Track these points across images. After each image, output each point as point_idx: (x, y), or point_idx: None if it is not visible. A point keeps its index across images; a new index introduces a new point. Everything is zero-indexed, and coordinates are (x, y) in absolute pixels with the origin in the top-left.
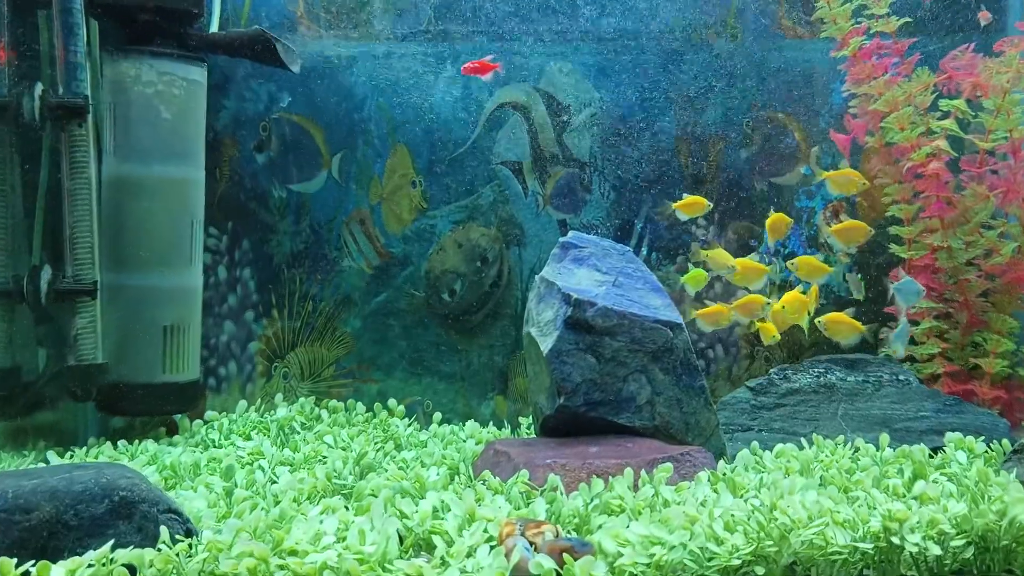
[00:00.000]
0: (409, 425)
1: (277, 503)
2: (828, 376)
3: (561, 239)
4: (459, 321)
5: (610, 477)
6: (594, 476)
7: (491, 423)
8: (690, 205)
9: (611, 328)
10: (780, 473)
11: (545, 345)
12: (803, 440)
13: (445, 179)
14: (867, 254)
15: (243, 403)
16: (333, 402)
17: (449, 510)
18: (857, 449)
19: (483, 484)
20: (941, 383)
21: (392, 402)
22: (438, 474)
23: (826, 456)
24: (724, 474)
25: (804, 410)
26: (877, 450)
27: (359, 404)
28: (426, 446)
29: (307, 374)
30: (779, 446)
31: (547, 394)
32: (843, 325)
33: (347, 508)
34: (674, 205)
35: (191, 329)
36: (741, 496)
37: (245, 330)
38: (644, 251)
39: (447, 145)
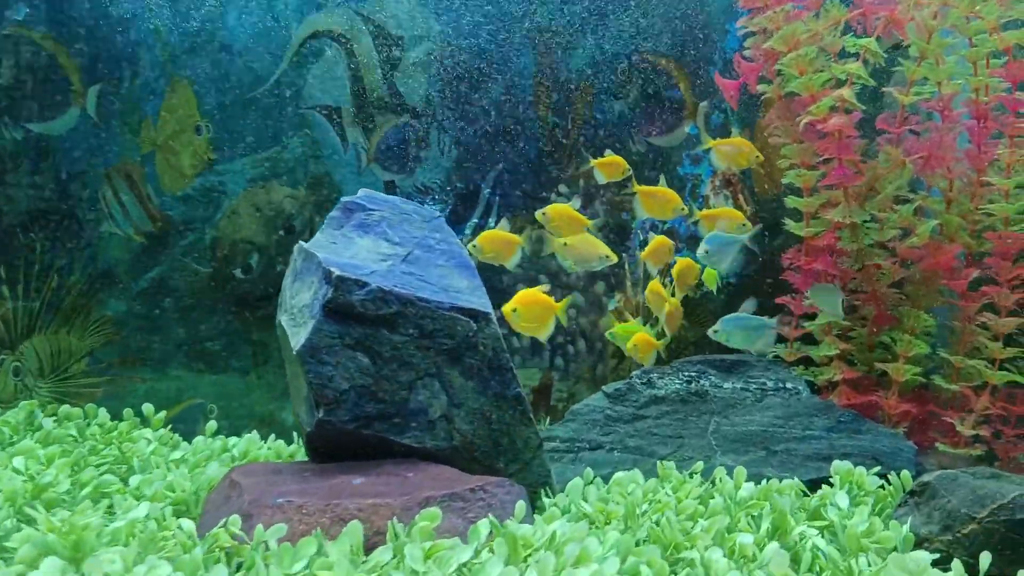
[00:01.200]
0: (162, 439)
1: None
2: (701, 381)
3: (344, 199)
4: (255, 304)
5: (363, 524)
6: (340, 524)
7: (295, 433)
8: (610, 165)
9: (390, 317)
10: (584, 524)
11: (297, 339)
12: (659, 464)
13: (239, 125)
14: (767, 236)
15: None
16: (65, 407)
17: None
18: (714, 483)
19: (174, 535)
20: (839, 393)
21: (148, 407)
22: (129, 518)
23: (667, 494)
24: (505, 526)
25: (668, 424)
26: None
27: (102, 410)
28: (174, 469)
29: (48, 370)
30: (619, 475)
31: (306, 404)
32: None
33: None
34: (593, 162)
35: None
36: (524, 559)
37: None
38: (492, 223)
39: (243, 82)
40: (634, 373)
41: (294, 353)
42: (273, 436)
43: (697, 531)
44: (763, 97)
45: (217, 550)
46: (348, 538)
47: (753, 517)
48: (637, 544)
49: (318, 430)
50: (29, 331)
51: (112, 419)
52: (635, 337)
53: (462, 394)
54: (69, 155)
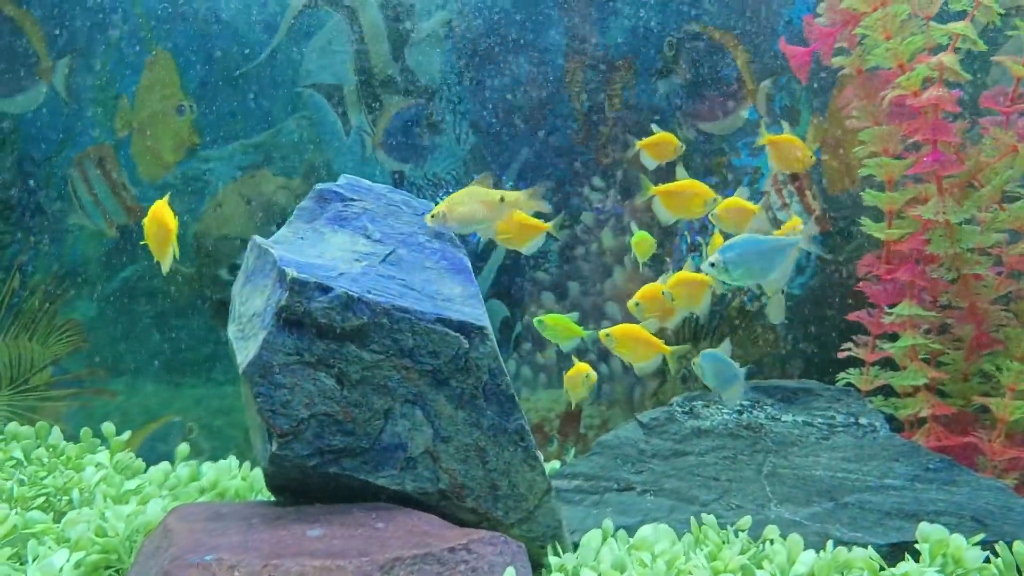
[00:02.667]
0: (118, 465)
1: None
2: (755, 412)
3: (319, 186)
4: None
5: None
6: None
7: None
8: (658, 145)
9: (359, 330)
10: None
11: (245, 354)
12: (698, 517)
13: (228, 105)
14: (833, 236)
15: None
16: (12, 425)
17: None
18: (763, 545)
19: None
20: (927, 432)
21: (107, 427)
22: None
23: (701, 563)
24: None
25: (714, 463)
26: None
27: (55, 429)
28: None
29: (6, 380)
30: (645, 530)
31: (260, 433)
32: (638, 343)
33: None
34: (639, 144)
35: None
36: None
37: None
38: None
39: (232, 56)
40: (675, 400)
41: (240, 372)
42: (248, 465)
43: None
44: (839, 73)
45: None
46: None
47: None
48: None
49: (273, 466)
50: None
51: (70, 439)
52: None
53: (450, 426)
54: (33, 137)
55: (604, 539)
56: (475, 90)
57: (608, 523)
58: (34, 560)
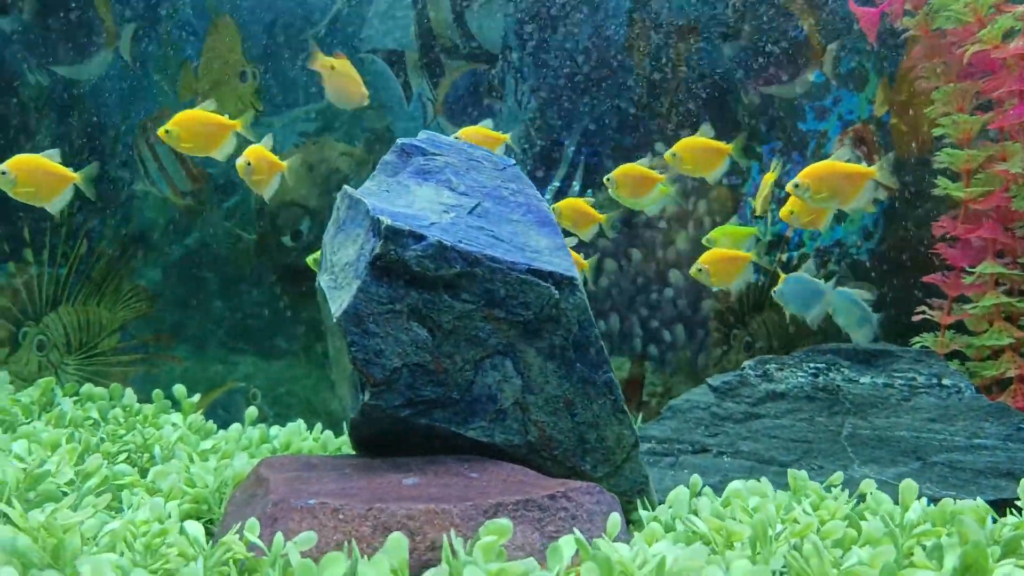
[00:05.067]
0: (191, 426)
1: None
2: (831, 375)
3: (401, 140)
4: (306, 275)
5: (413, 535)
6: (385, 533)
7: (344, 423)
8: (705, 152)
9: (452, 279)
10: (700, 547)
11: (338, 303)
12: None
13: (290, 71)
14: (902, 203)
15: None
16: (87, 386)
17: None
18: (862, 498)
19: (172, 545)
20: (1012, 393)
21: (179, 389)
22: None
23: (804, 510)
24: (595, 545)
25: (790, 425)
26: (896, 504)
27: (127, 391)
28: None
29: (76, 345)
30: (734, 484)
31: (350, 385)
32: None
33: None
34: (671, 153)
35: None
36: None
37: None
38: (577, 186)
39: (294, 22)
40: (746, 364)
41: (334, 321)
42: (320, 426)
43: (853, 564)
44: (905, 35)
45: (230, 562)
46: (390, 555)
47: (931, 549)
48: None
49: (363, 417)
50: (55, 301)
51: (142, 401)
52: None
53: (540, 378)
54: (100, 104)
55: (692, 494)
56: (537, 54)
57: (696, 478)
58: (130, 510)
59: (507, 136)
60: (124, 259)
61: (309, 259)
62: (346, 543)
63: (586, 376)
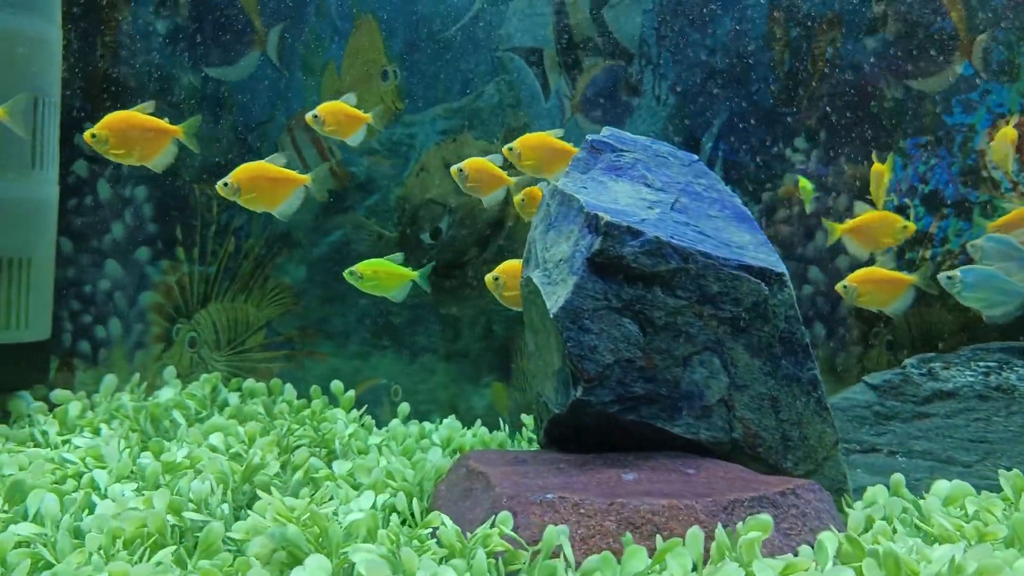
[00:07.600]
0: (355, 421)
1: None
2: (1004, 373)
3: (590, 137)
4: (445, 274)
5: (657, 532)
6: (629, 529)
7: (481, 421)
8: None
9: (667, 275)
10: (965, 544)
11: (554, 300)
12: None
13: (431, 69)
14: None
15: (110, 378)
16: (249, 382)
17: None
18: None
19: (433, 534)
20: None
21: (337, 385)
22: (365, 509)
23: None
24: (876, 539)
25: (964, 425)
26: None
27: (287, 386)
28: (369, 454)
29: (225, 341)
30: (940, 483)
31: (556, 381)
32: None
33: None
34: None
35: (35, 265)
36: None
37: (135, 274)
38: None
39: (434, 20)
40: (907, 362)
41: (551, 317)
42: (479, 422)
43: None
44: None
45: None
46: (687, 546)
47: None
48: None
49: (571, 412)
50: (205, 299)
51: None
52: None
53: (747, 375)
54: (248, 103)
55: (892, 493)
56: (675, 50)
57: (898, 476)
58: (341, 501)
59: (369, 116)
60: (270, 257)
61: (346, 273)
62: (594, 536)
63: (791, 373)
